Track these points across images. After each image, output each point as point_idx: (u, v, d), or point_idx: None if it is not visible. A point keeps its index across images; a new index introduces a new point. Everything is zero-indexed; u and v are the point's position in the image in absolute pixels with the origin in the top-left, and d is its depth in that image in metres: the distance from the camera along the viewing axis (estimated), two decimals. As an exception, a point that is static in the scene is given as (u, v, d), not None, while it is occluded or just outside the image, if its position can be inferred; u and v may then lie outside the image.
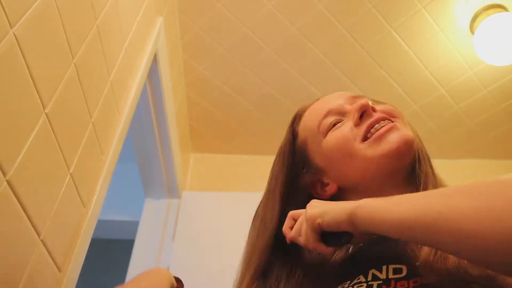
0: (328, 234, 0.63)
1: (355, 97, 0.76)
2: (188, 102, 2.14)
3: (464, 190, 0.48)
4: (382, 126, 0.68)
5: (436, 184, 0.72)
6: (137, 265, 1.81)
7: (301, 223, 0.66)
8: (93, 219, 0.92)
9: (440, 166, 2.62)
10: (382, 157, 0.66)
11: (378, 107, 0.73)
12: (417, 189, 0.68)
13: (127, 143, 1.21)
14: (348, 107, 0.74)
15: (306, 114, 0.79)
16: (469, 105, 2.13)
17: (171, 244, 1.86)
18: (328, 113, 0.74)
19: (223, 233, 1.87)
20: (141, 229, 1.91)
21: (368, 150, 0.67)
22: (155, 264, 1.82)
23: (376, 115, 0.70)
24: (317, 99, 0.81)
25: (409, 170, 0.70)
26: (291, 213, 0.70)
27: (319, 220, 0.62)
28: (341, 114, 0.74)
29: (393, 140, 0.67)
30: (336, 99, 0.77)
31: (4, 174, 0.60)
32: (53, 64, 0.75)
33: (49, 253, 0.73)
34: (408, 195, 0.54)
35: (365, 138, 0.69)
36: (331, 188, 0.75)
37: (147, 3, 1.34)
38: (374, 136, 0.68)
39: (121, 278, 1.78)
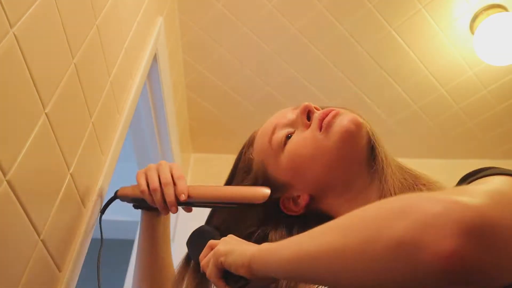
0: (230, 273, 0.64)
1: (296, 107, 0.78)
2: (188, 102, 2.14)
3: (334, 226, 0.49)
4: (329, 114, 0.72)
5: (391, 165, 0.74)
6: (137, 265, 1.81)
7: (211, 256, 0.68)
8: (93, 219, 0.92)
9: (440, 166, 2.64)
10: (339, 142, 0.69)
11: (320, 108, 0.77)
12: (379, 175, 0.70)
13: (127, 143, 1.21)
14: (293, 116, 0.76)
15: (256, 138, 0.82)
16: (469, 105, 2.13)
17: (171, 244, 1.86)
18: (276, 128, 0.77)
19: (223, 233, 1.87)
20: (141, 229, 1.91)
21: (325, 140, 0.69)
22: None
23: (321, 111, 0.73)
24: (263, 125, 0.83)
25: (367, 156, 0.72)
26: (210, 242, 0.71)
27: (222, 259, 0.64)
28: (289, 125, 0.76)
29: (341, 123, 0.69)
30: (278, 115, 0.80)
31: (4, 174, 0.60)
32: (53, 64, 0.75)
33: (49, 253, 0.73)
34: (300, 234, 0.54)
35: (320, 129, 0.71)
36: (302, 200, 0.74)
37: (147, 3, 1.34)
38: (324, 126, 0.70)
39: (121, 278, 1.78)
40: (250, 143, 0.84)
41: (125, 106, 1.13)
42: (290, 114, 0.78)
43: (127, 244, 2.00)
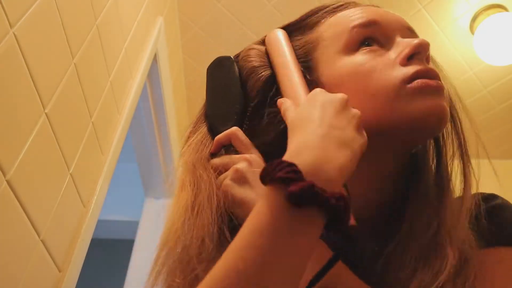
0: None
1: (413, 32, 0.60)
2: (188, 102, 2.14)
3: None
4: (433, 79, 0.51)
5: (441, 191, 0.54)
6: (137, 265, 1.81)
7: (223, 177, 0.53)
8: (93, 219, 0.92)
9: (440, 166, 2.57)
10: (411, 114, 0.49)
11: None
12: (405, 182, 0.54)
13: (127, 143, 1.20)
14: (399, 34, 0.57)
15: (339, 14, 0.59)
16: (469, 105, 2.12)
17: (171, 244, 1.86)
18: (371, 24, 0.56)
19: (223, 233, 1.87)
20: (141, 229, 1.91)
21: (404, 97, 0.49)
22: (155, 264, 1.82)
23: (429, 66, 0.53)
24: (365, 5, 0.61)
25: (410, 154, 0.55)
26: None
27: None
28: (387, 37, 0.56)
29: (434, 102, 0.50)
30: (389, 16, 0.59)
31: (4, 174, 0.60)
32: (53, 64, 0.75)
33: (49, 253, 0.73)
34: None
35: (410, 80, 0.50)
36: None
37: (147, 3, 1.34)
38: (418, 84, 0.50)
39: (121, 278, 1.78)
40: (336, 8, 0.61)
41: (125, 106, 1.13)
42: (399, 28, 0.58)
43: (127, 244, 2.00)
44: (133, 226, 1.98)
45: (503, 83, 2.04)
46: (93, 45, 0.92)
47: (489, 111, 2.16)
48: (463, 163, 0.56)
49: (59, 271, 0.78)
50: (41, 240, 0.70)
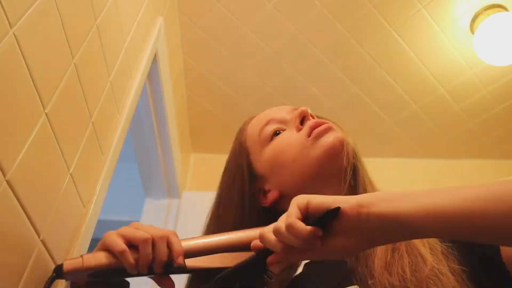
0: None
1: (295, 108, 0.80)
2: (188, 102, 2.14)
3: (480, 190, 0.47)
4: (322, 125, 0.74)
5: (371, 188, 0.74)
6: (137, 265, 1.81)
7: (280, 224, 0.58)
8: (93, 219, 0.92)
9: (440, 166, 2.64)
10: (322, 154, 0.71)
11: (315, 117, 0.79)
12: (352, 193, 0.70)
13: (127, 143, 1.20)
14: (288, 116, 0.79)
15: (250, 124, 0.84)
16: (469, 105, 2.13)
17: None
18: (269, 122, 0.79)
19: (223, 233, 1.87)
20: (141, 229, 1.91)
21: (310, 148, 0.72)
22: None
23: (315, 120, 0.76)
24: (262, 112, 0.85)
25: (345, 174, 0.73)
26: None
27: (303, 203, 0.56)
28: (282, 123, 0.79)
29: (329, 139, 0.72)
30: (277, 111, 0.82)
31: (4, 174, 0.60)
32: (53, 64, 0.75)
33: (49, 253, 0.73)
34: (423, 191, 0.50)
35: (308, 136, 0.73)
36: (272, 195, 0.77)
37: (147, 3, 1.34)
38: (314, 134, 0.73)
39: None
40: (244, 129, 0.85)
41: (125, 106, 1.13)
42: (286, 113, 0.80)
43: (127, 244, 2.00)
44: (133, 226, 1.98)
45: (503, 83, 2.04)
46: (93, 45, 0.92)
47: (489, 111, 2.16)
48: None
49: (59, 271, 0.78)
50: (41, 240, 0.70)
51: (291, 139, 0.74)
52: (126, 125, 1.12)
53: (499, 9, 1.75)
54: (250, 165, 0.79)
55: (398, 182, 2.27)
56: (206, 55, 1.96)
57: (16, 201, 0.63)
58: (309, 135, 0.73)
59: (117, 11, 1.07)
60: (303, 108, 0.77)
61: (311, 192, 0.58)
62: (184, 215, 1.93)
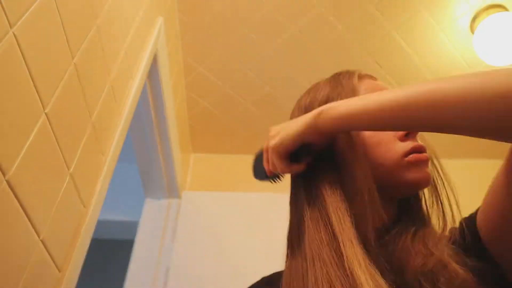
0: (292, 155, 0.68)
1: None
2: (188, 102, 2.14)
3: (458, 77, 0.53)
4: (423, 153, 0.72)
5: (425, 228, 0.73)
6: (137, 265, 1.81)
7: (266, 151, 0.71)
8: (93, 219, 0.92)
9: (440, 166, 2.56)
10: (405, 180, 0.70)
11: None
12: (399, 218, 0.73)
13: (127, 143, 1.21)
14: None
15: (369, 81, 0.80)
16: (469, 105, 2.13)
17: (171, 244, 1.86)
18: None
19: (223, 233, 1.87)
20: (141, 229, 1.91)
21: (400, 167, 0.70)
22: (155, 264, 1.82)
23: (420, 144, 0.73)
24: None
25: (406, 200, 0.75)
26: (263, 146, 0.74)
27: (276, 140, 0.67)
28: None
29: (420, 173, 0.70)
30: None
31: (4, 174, 0.60)
32: (53, 64, 0.75)
33: (49, 253, 0.73)
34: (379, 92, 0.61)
35: (407, 155, 0.70)
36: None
37: (147, 3, 1.34)
38: (412, 158, 0.70)
39: (121, 278, 1.78)
40: (365, 76, 0.82)
41: (125, 106, 1.13)
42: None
43: (127, 244, 2.01)
44: (133, 226, 1.99)
45: (503, 83, 2.04)
46: (93, 45, 0.92)
47: (489, 111, 2.16)
48: (442, 208, 0.75)
49: (59, 271, 0.78)
50: (41, 240, 0.70)
51: (390, 144, 0.71)
52: (126, 125, 1.12)
53: (499, 9, 1.75)
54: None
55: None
56: (206, 55, 1.97)
57: (16, 201, 0.63)
58: (406, 155, 0.70)
59: (117, 11, 1.07)
60: (420, 144, 0.75)
61: (375, 180, 0.67)
62: (184, 215, 1.93)
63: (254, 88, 2.07)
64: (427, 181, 0.71)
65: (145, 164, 1.81)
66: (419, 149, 0.71)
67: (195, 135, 2.29)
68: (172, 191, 1.96)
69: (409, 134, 0.73)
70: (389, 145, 0.72)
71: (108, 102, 1.02)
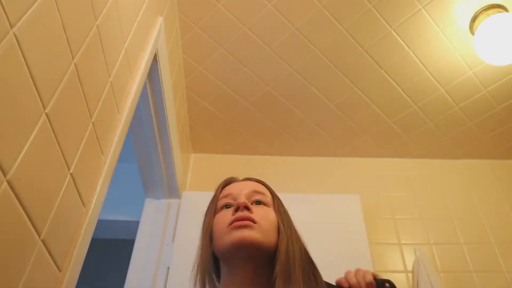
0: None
1: (255, 192, 0.96)
2: (188, 102, 2.15)
3: None
4: (241, 221, 0.88)
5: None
6: (137, 265, 1.81)
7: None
8: (93, 219, 0.92)
9: (440, 166, 2.64)
10: (228, 244, 0.86)
11: (255, 209, 0.91)
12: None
13: (127, 143, 1.20)
14: (239, 200, 0.92)
15: (223, 188, 1.01)
16: (469, 105, 2.13)
17: (171, 244, 1.86)
18: (228, 196, 0.96)
19: (223, 233, 1.87)
20: (141, 229, 1.91)
21: (226, 233, 0.87)
22: (155, 264, 1.82)
23: (243, 213, 0.88)
24: (244, 179, 1.03)
25: (263, 260, 0.87)
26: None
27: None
28: (235, 199, 0.94)
29: (237, 235, 0.86)
30: (242, 188, 0.97)
31: (4, 174, 0.60)
32: (53, 64, 0.75)
33: (49, 253, 0.73)
34: None
35: (229, 224, 0.88)
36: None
37: (147, 3, 1.34)
38: (234, 225, 0.87)
39: (121, 278, 1.78)
40: (220, 186, 1.05)
41: (125, 106, 1.13)
42: (241, 197, 0.94)
43: (127, 244, 2.01)
44: (133, 226, 1.99)
45: (503, 83, 2.04)
46: (93, 45, 0.92)
47: (489, 111, 2.16)
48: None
49: (59, 271, 0.78)
50: (41, 240, 0.70)
51: (224, 219, 0.90)
52: (126, 125, 1.12)
53: (499, 9, 1.76)
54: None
55: (398, 182, 2.27)
56: (206, 55, 1.97)
57: (16, 201, 0.63)
58: (230, 224, 0.87)
59: (117, 11, 1.07)
60: (241, 201, 0.90)
61: (228, 263, 0.90)
62: (184, 215, 1.93)
63: (254, 88, 2.07)
64: (246, 239, 0.85)
65: (145, 164, 1.81)
66: (240, 217, 0.88)
67: (195, 135, 2.29)
68: (172, 191, 1.96)
69: (238, 209, 0.90)
70: (224, 220, 0.91)
71: (108, 102, 1.02)
